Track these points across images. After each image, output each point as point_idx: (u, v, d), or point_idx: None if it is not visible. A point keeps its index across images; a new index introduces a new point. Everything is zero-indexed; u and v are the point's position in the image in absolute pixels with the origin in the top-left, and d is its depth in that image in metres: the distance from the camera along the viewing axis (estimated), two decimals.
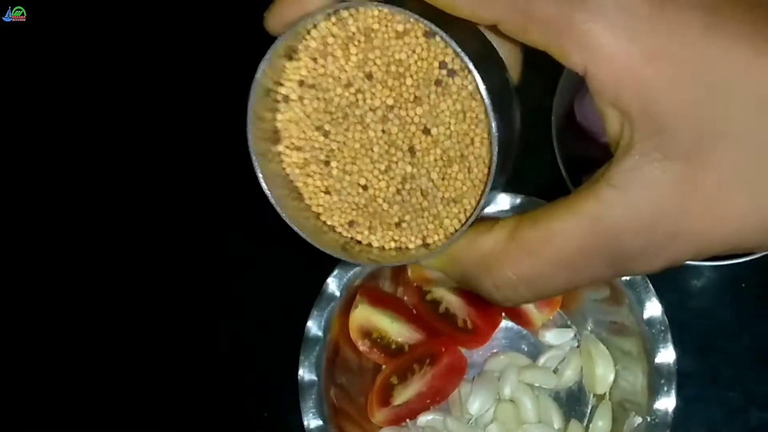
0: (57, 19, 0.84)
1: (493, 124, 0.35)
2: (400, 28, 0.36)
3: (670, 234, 0.30)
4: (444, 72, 0.36)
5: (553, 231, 0.32)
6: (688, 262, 0.63)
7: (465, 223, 0.37)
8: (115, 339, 0.75)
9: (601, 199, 0.31)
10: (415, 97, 0.37)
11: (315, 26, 0.37)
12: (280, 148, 0.40)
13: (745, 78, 0.29)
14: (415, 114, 0.37)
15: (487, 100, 0.35)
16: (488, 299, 0.35)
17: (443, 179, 0.38)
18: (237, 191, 0.77)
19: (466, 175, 0.38)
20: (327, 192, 0.40)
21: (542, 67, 0.78)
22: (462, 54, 0.34)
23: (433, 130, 0.37)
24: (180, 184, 0.78)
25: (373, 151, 0.38)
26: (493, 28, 0.33)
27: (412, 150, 0.38)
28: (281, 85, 0.39)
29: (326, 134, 0.39)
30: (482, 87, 0.35)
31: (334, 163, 0.39)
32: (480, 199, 0.37)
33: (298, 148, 0.40)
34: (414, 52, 0.36)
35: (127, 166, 0.79)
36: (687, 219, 0.30)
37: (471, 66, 0.35)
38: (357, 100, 0.38)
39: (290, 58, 0.38)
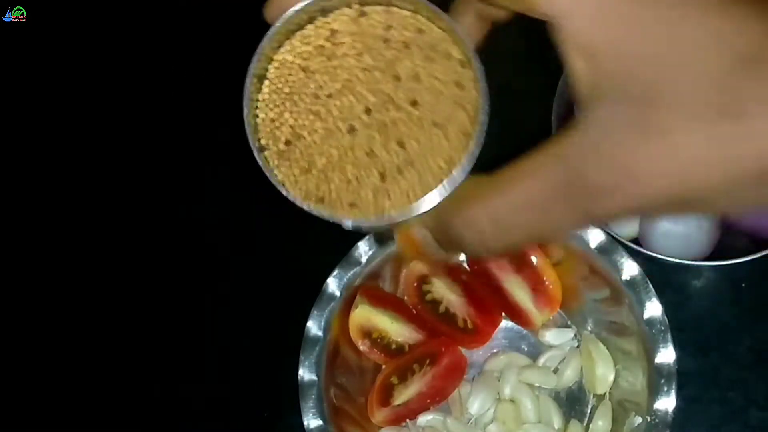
0: (57, 19, 0.84)
1: (485, 96, 0.41)
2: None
3: (625, 172, 0.32)
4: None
5: (523, 170, 0.34)
6: (687, 262, 0.64)
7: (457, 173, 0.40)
8: (114, 340, 0.75)
9: (566, 139, 0.33)
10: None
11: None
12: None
13: (703, 27, 0.31)
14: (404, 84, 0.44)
15: (478, 68, 0.41)
16: (460, 248, 0.37)
17: (429, 142, 0.43)
18: (239, 191, 0.77)
19: (445, 138, 0.43)
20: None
21: (542, 69, 0.78)
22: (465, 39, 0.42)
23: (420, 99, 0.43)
24: (181, 185, 0.78)
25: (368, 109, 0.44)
26: None
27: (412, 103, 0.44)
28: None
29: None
30: (475, 58, 0.42)
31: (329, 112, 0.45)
32: (469, 153, 0.41)
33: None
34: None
35: (127, 165, 0.80)
36: (641, 158, 0.31)
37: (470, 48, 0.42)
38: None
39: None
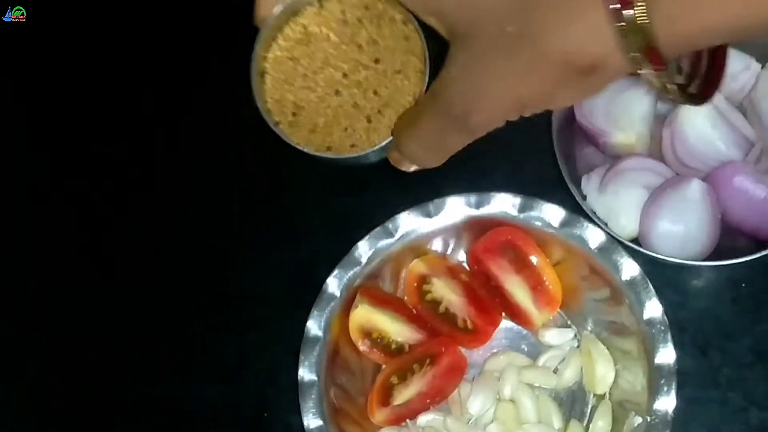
0: (57, 19, 0.84)
1: (424, 41, 0.60)
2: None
3: (474, 95, 0.42)
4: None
5: (422, 104, 0.47)
6: (687, 262, 0.64)
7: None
8: (113, 340, 0.75)
9: (438, 78, 0.44)
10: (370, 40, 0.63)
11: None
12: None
13: None
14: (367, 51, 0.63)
15: (414, 21, 0.59)
16: (403, 154, 0.50)
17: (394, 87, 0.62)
18: (238, 191, 0.77)
19: (406, 82, 0.62)
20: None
21: None
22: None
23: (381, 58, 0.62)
24: (180, 184, 0.78)
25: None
26: None
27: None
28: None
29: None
30: (411, 16, 0.59)
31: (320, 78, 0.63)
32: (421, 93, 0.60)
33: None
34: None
35: (128, 165, 0.80)
36: (481, 84, 0.41)
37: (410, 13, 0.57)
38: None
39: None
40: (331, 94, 0.63)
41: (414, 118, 0.47)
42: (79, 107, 0.82)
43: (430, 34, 0.55)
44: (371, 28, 0.64)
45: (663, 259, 0.64)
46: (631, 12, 0.36)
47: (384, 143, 0.60)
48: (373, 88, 0.64)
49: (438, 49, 0.53)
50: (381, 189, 0.74)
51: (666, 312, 0.62)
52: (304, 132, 0.63)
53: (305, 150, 0.60)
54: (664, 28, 0.37)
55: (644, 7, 0.36)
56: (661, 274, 0.66)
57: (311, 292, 0.65)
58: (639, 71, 0.39)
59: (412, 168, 0.53)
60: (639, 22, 0.37)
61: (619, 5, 0.36)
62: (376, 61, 0.64)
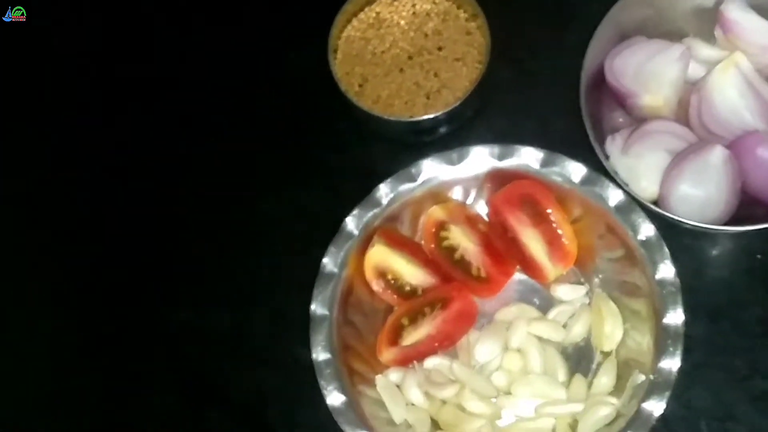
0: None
1: (488, 37, 0.72)
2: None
3: None
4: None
5: None
6: (704, 225, 0.63)
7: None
8: (134, 266, 0.77)
9: None
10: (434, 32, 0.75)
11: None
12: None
13: None
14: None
15: (482, 17, 0.72)
16: None
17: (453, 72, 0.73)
18: (268, 130, 0.78)
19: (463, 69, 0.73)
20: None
21: (574, 26, 0.78)
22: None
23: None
24: (212, 121, 0.80)
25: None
26: None
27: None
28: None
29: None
30: (480, 13, 0.73)
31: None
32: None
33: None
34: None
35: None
36: None
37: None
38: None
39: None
40: (395, 71, 0.73)
41: None
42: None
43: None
44: (437, 20, 0.74)
45: (680, 221, 0.64)
46: None
47: (439, 114, 0.69)
48: (434, 70, 0.73)
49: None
50: (408, 137, 0.75)
51: (680, 277, 0.62)
52: (368, 102, 0.72)
53: (371, 111, 0.70)
54: None
55: None
56: (679, 240, 0.66)
57: (330, 230, 0.66)
58: None
59: None
60: None
61: None
62: (439, 48, 0.73)
